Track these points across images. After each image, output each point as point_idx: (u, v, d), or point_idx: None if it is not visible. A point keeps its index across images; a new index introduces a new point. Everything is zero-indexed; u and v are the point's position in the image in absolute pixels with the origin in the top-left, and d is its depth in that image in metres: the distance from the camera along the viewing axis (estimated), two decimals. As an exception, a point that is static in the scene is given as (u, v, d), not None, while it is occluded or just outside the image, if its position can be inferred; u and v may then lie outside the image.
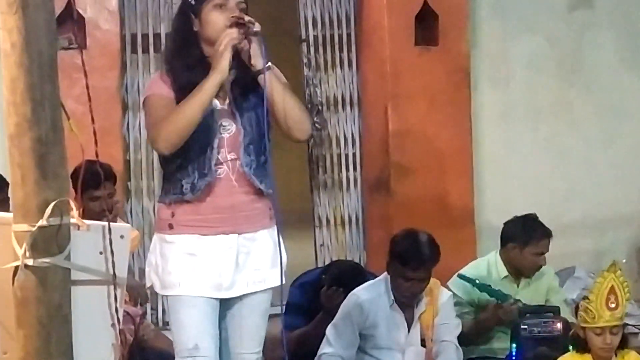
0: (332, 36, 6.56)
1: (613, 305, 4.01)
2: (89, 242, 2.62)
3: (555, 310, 4.97)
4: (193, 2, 3.53)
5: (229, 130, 3.51)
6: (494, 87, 6.59)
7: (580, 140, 6.73)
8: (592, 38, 6.74)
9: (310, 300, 5.10)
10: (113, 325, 2.69)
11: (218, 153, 3.47)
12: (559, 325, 4.79)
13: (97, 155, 2.65)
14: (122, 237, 2.70)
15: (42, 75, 2.41)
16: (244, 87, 3.53)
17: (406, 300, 4.68)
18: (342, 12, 6.60)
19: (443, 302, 4.80)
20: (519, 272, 5.20)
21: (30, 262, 2.42)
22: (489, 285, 5.03)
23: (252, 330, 3.62)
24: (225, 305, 3.56)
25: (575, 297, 6.02)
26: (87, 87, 2.69)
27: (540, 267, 5.18)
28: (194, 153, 3.46)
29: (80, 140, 2.54)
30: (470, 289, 5.09)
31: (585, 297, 4.10)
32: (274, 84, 3.47)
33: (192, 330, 3.46)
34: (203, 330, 3.48)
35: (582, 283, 6.24)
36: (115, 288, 2.66)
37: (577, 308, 4.20)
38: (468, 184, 6.35)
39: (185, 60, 3.51)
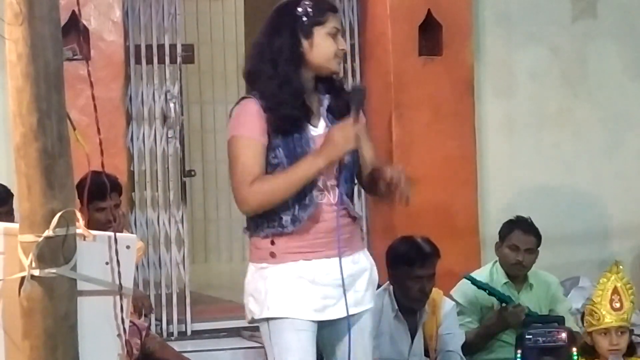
0: (335, 46, 6.55)
1: (617, 305, 4.02)
2: (95, 252, 2.62)
3: (560, 320, 4.96)
4: (306, 21, 3.32)
5: None
6: (498, 96, 6.59)
7: (585, 149, 6.72)
8: (595, 48, 6.75)
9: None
10: (119, 335, 2.69)
11: (318, 180, 3.33)
12: (563, 335, 4.78)
13: (102, 166, 2.66)
14: (128, 247, 2.70)
15: (48, 86, 2.41)
16: (338, 112, 3.39)
17: (416, 305, 4.67)
18: (345, 22, 6.59)
19: (446, 312, 4.81)
20: (509, 275, 5.19)
21: (36, 272, 2.42)
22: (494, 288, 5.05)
23: (364, 353, 3.49)
24: (328, 329, 3.42)
25: (580, 306, 6.01)
26: (93, 98, 2.69)
27: (521, 264, 5.16)
28: None
29: (86, 150, 2.54)
30: (473, 295, 5.09)
31: (589, 300, 4.10)
32: (363, 139, 3.41)
33: (298, 355, 3.32)
34: (309, 356, 3.34)
35: (587, 293, 6.21)
36: (121, 298, 2.66)
37: (583, 315, 4.20)
38: (472, 193, 6.35)
39: (292, 91, 3.30)
